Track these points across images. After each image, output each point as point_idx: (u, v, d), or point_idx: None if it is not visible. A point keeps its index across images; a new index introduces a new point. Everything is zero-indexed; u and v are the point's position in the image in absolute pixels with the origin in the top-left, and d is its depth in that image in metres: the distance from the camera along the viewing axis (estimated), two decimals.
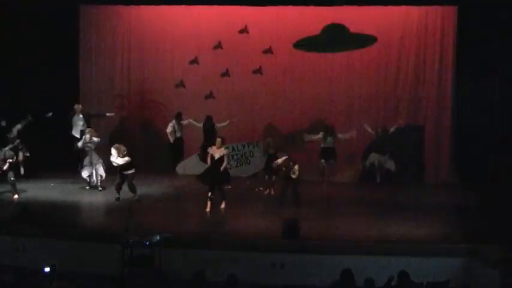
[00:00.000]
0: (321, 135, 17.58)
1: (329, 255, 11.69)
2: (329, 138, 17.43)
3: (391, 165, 18.49)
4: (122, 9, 20.34)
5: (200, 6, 19.56)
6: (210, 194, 14.75)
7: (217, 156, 14.96)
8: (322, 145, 17.63)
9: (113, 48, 20.60)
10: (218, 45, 19.92)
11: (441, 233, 13.16)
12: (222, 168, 14.94)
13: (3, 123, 17.40)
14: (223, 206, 15.03)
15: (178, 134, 18.79)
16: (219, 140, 15.25)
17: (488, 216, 13.90)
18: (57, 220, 13.42)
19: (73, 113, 18.31)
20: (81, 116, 18.30)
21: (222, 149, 15.13)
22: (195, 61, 20.10)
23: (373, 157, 18.83)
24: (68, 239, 12.30)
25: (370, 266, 11.18)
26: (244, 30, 19.82)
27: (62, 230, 12.63)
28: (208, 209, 14.69)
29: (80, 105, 18.63)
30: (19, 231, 12.52)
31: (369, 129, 18.56)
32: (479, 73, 18.14)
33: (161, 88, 20.37)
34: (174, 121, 18.77)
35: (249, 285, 10.80)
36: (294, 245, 11.96)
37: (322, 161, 17.70)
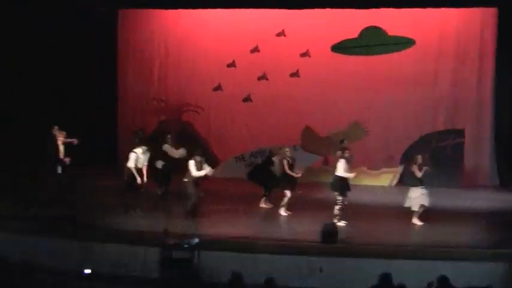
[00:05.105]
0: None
1: (368, 259, 11.59)
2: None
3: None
4: (160, 13, 20.59)
5: (237, 10, 19.66)
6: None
7: None
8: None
9: (150, 52, 20.87)
10: (255, 49, 20.01)
11: (482, 238, 12.99)
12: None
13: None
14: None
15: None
16: None
17: None
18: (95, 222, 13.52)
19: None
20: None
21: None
22: (232, 64, 20.20)
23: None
24: (106, 241, 12.38)
25: (409, 270, 11.06)
26: (281, 34, 19.88)
27: (100, 233, 12.70)
28: None
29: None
30: (59, 234, 12.64)
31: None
32: None
33: (199, 91, 20.53)
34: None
35: None
36: (332, 248, 11.91)
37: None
